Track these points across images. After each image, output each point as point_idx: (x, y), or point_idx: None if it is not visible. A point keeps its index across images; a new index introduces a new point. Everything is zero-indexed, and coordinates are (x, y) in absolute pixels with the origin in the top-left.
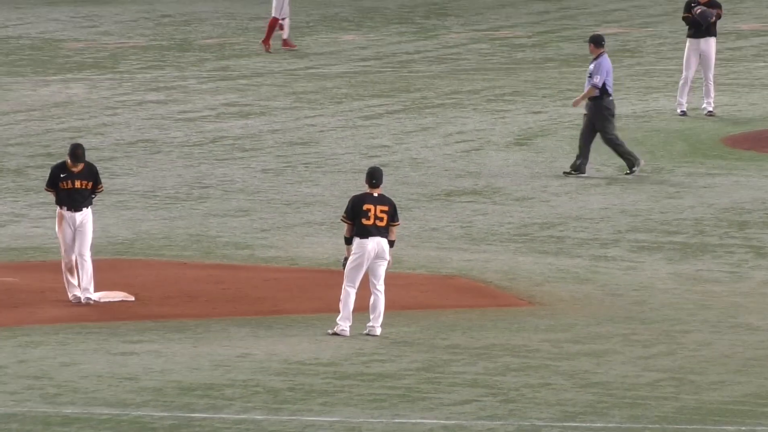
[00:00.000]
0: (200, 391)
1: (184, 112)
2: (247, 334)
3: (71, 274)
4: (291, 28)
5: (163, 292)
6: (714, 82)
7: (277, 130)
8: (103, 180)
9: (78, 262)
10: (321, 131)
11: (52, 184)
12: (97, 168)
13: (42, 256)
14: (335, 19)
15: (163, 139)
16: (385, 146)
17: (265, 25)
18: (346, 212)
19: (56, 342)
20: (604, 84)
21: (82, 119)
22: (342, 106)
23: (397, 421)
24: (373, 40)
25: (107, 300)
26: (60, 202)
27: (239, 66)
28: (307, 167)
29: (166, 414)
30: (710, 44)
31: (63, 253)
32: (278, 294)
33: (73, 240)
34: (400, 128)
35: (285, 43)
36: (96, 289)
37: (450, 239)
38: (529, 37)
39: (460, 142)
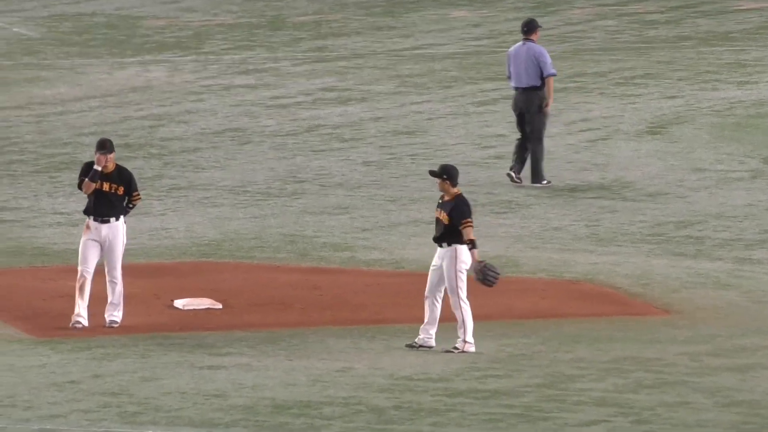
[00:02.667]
0: (296, 410)
1: (277, 97)
2: (348, 346)
3: (80, 293)
4: (394, 3)
5: (253, 299)
6: None
7: (379, 117)
8: (186, 174)
9: (108, 283)
10: (429, 119)
11: (80, 178)
12: (132, 174)
13: None
14: None
15: (253, 128)
16: (501, 135)
17: None
18: (470, 215)
19: (135, 354)
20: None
21: (163, 106)
22: (452, 90)
23: None
24: (486, 17)
25: (192, 308)
26: (87, 210)
27: (337, 46)
28: (413, 159)
29: None
30: None
31: (78, 266)
32: (382, 301)
33: (95, 255)
34: None
35: None
36: (180, 296)
37: (574, 240)
38: (662, 12)
39: (585, 130)
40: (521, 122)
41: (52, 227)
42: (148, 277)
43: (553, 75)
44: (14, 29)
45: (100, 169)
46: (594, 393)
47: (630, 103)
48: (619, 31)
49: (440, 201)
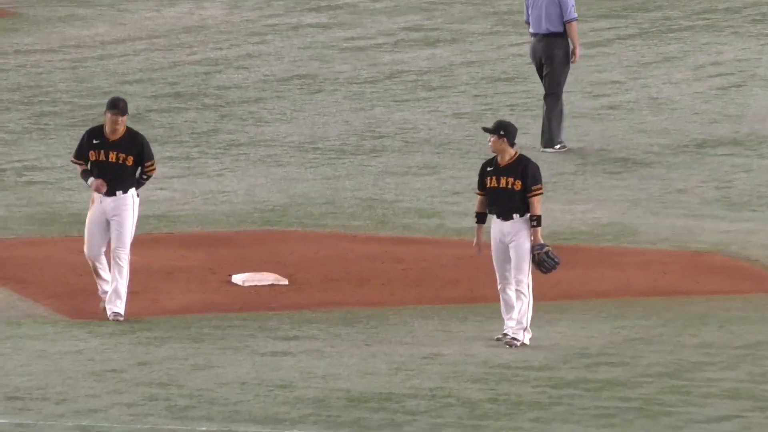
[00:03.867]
0: (374, 403)
1: (352, 39)
2: (436, 329)
3: (97, 276)
4: None
5: (325, 274)
6: None
7: (473, 62)
8: (247, 128)
9: (112, 263)
10: (530, 63)
11: (80, 152)
12: (146, 140)
13: (168, 226)
14: None
15: (326, 75)
16: (616, 82)
17: None
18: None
19: (187, 338)
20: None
21: (220, 49)
22: None
23: None
24: None
25: (253, 284)
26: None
27: None
28: (512, 110)
29: None
30: None
31: (84, 248)
32: (475, 276)
33: (102, 236)
34: (636, 59)
35: None
36: (239, 270)
37: (702, 204)
38: None
39: (715, 76)
40: (542, 74)
41: (90, 190)
42: (202, 248)
43: (574, 19)
44: None
45: (93, 190)
46: (725, 383)
47: None
48: None
49: (494, 166)
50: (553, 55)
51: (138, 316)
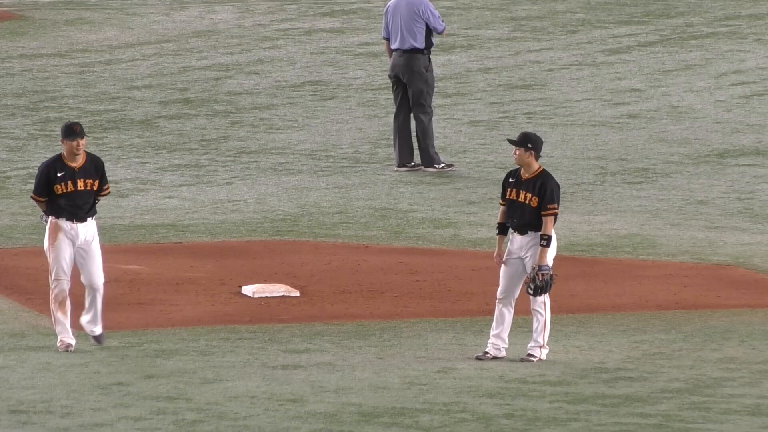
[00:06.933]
0: (387, 418)
1: (367, 44)
2: (450, 342)
3: (62, 309)
4: None
5: (337, 285)
6: None
7: (489, 68)
8: (258, 135)
9: (88, 294)
10: (549, 70)
11: (45, 189)
12: (103, 162)
13: (177, 236)
14: None
15: (339, 81)
16: (636, 90)
17: None
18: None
19: (196, 351)
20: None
21: (231, 53)
22: (577, 36)
23: None
24: None
25: (263, 295)
26: (56, 212)
27: None
28: (530, 118)
29: None
30: None
31: (53, 278)
32: (491, 288)
33: (71, 261)
34: (657, 66)
35: None
36: (249, 281)
37: (723, 215)
38: None
39: (738, 84)
40: (397, 92)
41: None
42: (211, 258)
43: (445, 29)
44: None
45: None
46: (746, 400)
47: None
48: None
49: (516, 179)
50: (413, 73)
51: (146, 328)
